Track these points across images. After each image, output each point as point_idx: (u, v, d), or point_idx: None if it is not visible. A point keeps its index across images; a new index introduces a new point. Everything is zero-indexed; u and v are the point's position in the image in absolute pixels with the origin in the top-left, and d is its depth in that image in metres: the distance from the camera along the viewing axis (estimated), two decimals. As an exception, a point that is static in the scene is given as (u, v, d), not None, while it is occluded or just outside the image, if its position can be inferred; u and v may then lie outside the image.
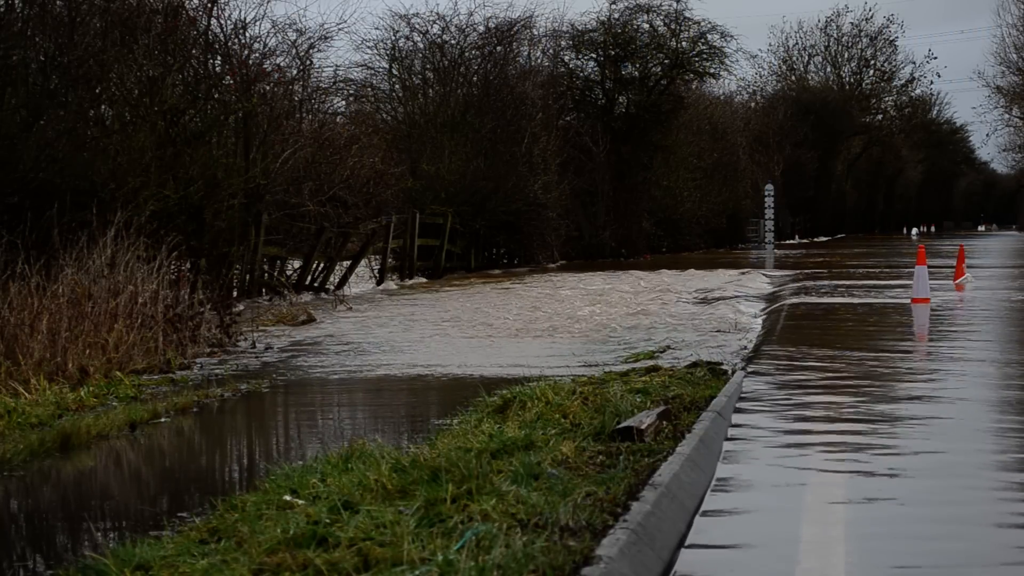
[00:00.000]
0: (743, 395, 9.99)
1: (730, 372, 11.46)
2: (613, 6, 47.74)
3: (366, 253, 29.36)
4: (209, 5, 22.74)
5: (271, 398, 11.84)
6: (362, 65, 38.22)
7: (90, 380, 11.73)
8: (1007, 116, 68.17)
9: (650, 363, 12.74)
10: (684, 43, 48.00)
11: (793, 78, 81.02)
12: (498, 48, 39.70)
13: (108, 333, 12.73)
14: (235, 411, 11.14)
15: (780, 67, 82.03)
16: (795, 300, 21.03)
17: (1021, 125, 69.68)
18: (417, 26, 39.27)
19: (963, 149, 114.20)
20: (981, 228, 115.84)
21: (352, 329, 18.27)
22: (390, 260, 30.99)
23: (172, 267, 15.79)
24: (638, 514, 5.71)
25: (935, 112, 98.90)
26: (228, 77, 22.97)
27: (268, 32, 31.94)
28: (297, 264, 26.88)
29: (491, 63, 39.43)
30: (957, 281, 24.77)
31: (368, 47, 42.84)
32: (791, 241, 68.28)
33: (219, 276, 20.65)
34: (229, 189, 21.60)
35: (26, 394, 10.65)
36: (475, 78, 39.09)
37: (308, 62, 27.80)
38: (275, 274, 26.17)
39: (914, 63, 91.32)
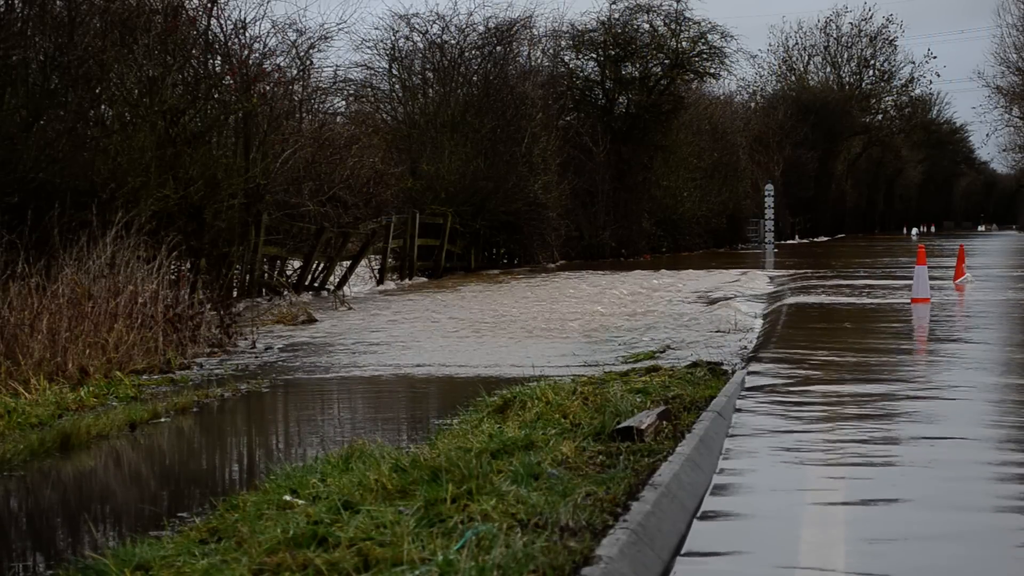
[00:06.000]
0: (743, 395, 9.98)
1: (730, 372, 11.46)
2: (613, 6, 47.81)
3: (366, 253, 29.36)
4: (209, 5, 22.75)
5: (271, 398, 11.84)
6: (362, 65, 38.26)
7: (90, 380, 11.73)
8: (1007, 116, 68.11)
9: (650, 363, 12.74)
10: (684, 43, 48.02)
11: (793, 78, 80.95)
12: (498, 48, 39.70)
13: (108, 333, 12.73)
14: (235, 411, 11.13)
15: (780, 67, 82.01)
16: (795, 300, 21.02)
17: (1021, 125, 69.62)
18: (417, 26, 39.33)
19: (963, 149, 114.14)
20: (981, 228, 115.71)
21: (352, 329, 18.26)
22: (390, 260, 30.99)
23: (172, 267, 15.79)
24: (638, 514, 5.70)
25: (935, 112, 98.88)
26: (228, 77, 22.97)
27: (268, 32, 32.05)
28: (297, 264, 26.88)
29: (491, 63, 39.43)
30: (957, 281, 24.77)
31: (368, 47, 43.02)
32: (791, 241, 68.23)
33: (219, 276, 20.66)
34: (229, 189, 21.61)
35: (26, 394, 10.65)
36: (475, 78, 39.09)
37: (308, 62, 27.83)
38: (275, 274, 26.18)
39: (914, 63, 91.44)
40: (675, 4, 47.60)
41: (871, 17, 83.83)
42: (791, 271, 32.95)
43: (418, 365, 13.86)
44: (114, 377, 12.07)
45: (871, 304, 19.93)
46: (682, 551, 5.60)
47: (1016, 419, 9.04)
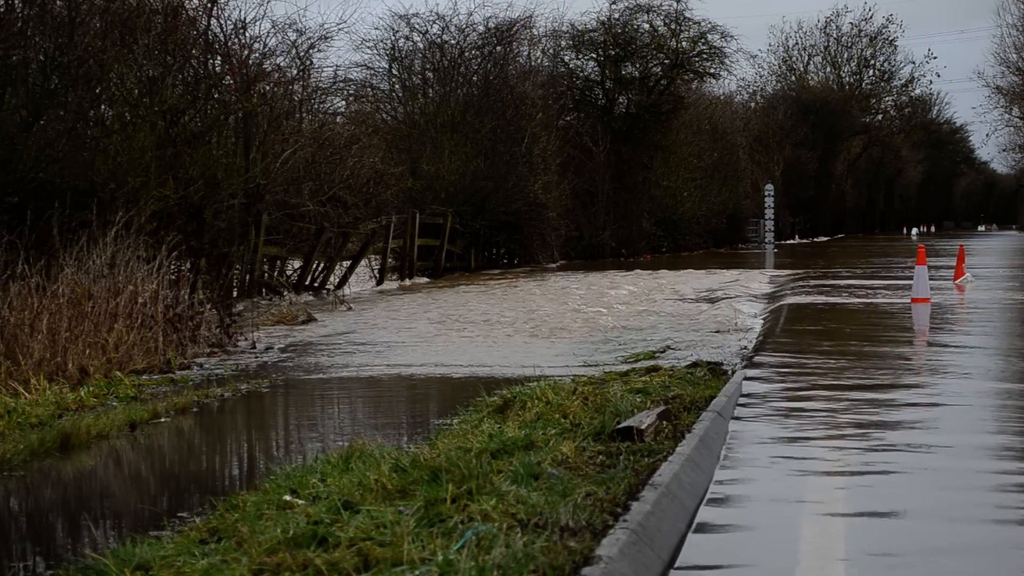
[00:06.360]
0: (743, 395, 9.96)
1: (730, 372, 11.45)
2: (613, 6, 47.83)
3: (366, 253, 29.37)
4: (209, 5, 22.76)
5: (271, 398, 11.84)
6: (362, 65, 38.29)
7: (90, 380, 11.74)
8: (1007, 116, 68.06)
9: (650, 363, 12.74)
10: (684, 43, 48.05)
11: (793, 78, 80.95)
12: (498, 48, 39.72)
13: (108, 333, 12.73)
14: (235, 411, 11.13)
15: (780, 67, 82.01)
16: (795, 300, 21.02)
17: (1021, 125, 69.59)
18: (417, 26, 39.36)
19: (963, 149, 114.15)
20: (981, 228, 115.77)
21: (352, 329, 18.26)
22: (390, 260, 30.99)
23: (172, 267, 15.79)
24: (638, 514, 5.70)
25: (935, 112, 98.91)
26: (228, 77, 22.98)
27: (268, 32, 32.15)
28: (297, 264, 26.89)
29: (491, 63, 39.44)
30: (957, 281, 24.77)
31: (368, 47, 43.12)
32: (791, 241, 68.24)
33: (219, 276, 20.67)
34: (229, 189, 21.61)
35: (26, 394, 10.65)
36: (475, 78, 39.11)
37: (308, 62, 27.86)
38: (275, 274, 26.19)
39: (914, 63, 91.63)
40: (675, 4, 47.67)
41: (871, 17, 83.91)
42: (791, 271, 32.94)
43: (418, 365, 13.85)
44: (114, 377, 12.07)
45: (871, 304, 19.92)
46: (679, 563, 5.50)
47: (1018, 426, 9.01)
